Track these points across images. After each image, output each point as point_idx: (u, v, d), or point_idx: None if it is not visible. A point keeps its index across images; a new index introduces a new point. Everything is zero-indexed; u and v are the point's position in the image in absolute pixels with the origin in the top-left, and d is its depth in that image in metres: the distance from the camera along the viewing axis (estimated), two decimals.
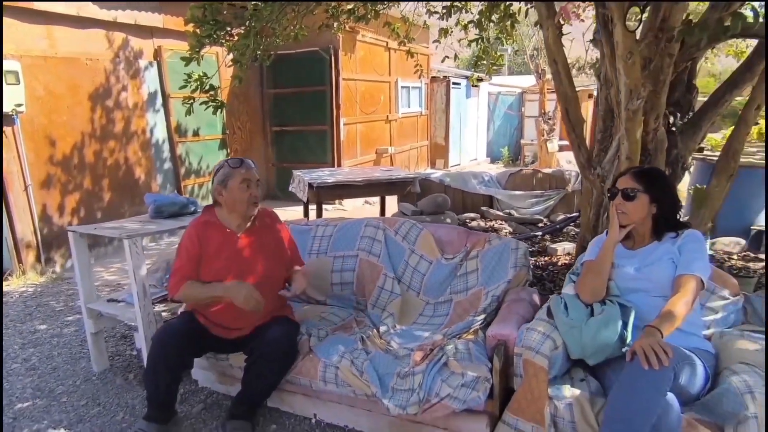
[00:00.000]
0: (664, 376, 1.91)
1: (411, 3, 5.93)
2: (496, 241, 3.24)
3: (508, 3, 5.01)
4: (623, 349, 2.22)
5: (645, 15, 2.85)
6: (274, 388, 2.77)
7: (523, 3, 4.61)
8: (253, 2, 3.83)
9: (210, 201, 2.93)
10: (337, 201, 8.61)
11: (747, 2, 3.28)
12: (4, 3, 4.87)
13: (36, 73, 5.36)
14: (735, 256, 5.02)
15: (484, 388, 2.36)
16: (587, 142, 3.66)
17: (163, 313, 3.25)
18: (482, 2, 5.13)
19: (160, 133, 7.02)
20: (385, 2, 5.23)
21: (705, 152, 6.70)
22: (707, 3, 3.32)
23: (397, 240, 3.45)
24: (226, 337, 2.78)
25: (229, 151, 8.20)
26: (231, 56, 4.12)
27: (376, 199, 7.92)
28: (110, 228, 3.23)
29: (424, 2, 5.72)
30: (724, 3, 3.01)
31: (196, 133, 7.54)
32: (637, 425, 1.89)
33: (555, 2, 3.39)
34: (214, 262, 2.71)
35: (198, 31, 3.76)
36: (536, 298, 2.98)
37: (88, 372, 3.47)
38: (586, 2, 4.65)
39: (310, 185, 5.35)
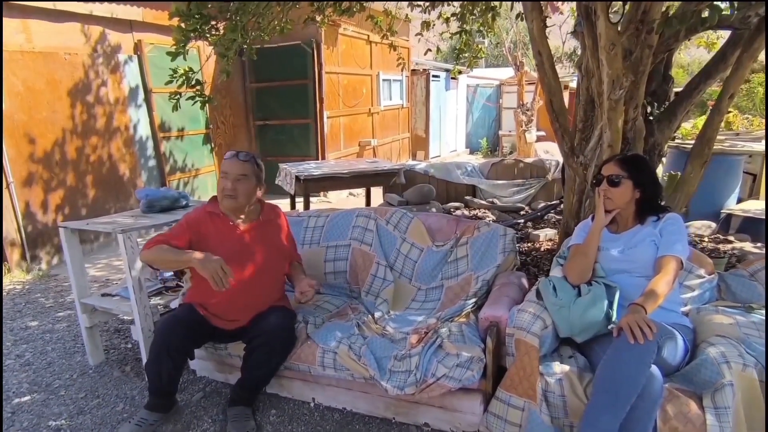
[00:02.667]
0: (648, 349, 2.04)
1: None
2: (485, 228, 3.33)
3: None
4: (609, 327, 2.33)
5: (626, 8, 2.95)
6: (273, 374, 2.83)
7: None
8: None
9: (197, 197, 2.95)
10: (322, 193, 8.65)
11: None
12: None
13: (13, 69, 5.28)
14: (706, 239, 5.18)
15: (478, 367, 2.45)
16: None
17: (159, 306, 3.30)
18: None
19: (144, 129, 6.97)
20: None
21: (677, 140, 6.88)
22: None
23: (389, 229, 3.53)
24: (226, 327, 2.83)
25: (213, 145, 8.18)
26: (213, 50, 4.11)
27: (361, 191, 8.00)
28: (103, 223, 3.25)
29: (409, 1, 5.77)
30: None
31: (179, 129, 7.51)
32: (624, 395, 2.02)
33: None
34: (215, 252, 2.72)
35: (183, 25, 3.76)
36: (524, 281, 3.09)
37: (84, 366, 3.49)
38: None
39: (297, 178, 5.40)
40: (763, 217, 5.17)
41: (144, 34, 6.78)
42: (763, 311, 2.58)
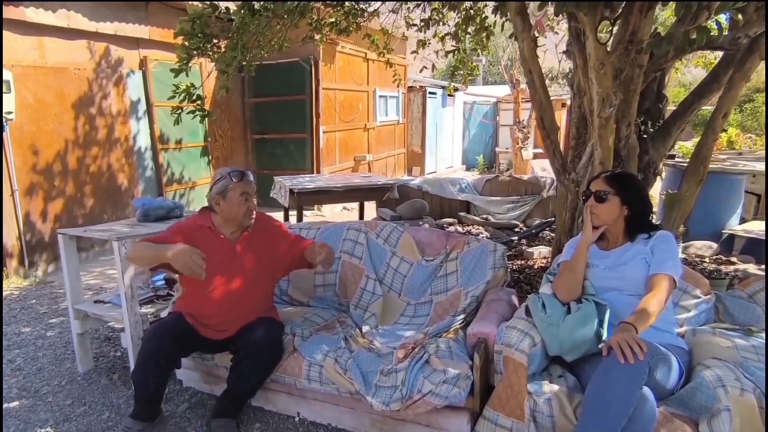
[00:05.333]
0: (639, 369, 2.00)
1: (391, 16, 6.05)
2: (475, 243, 3.33)
3: (484, 16, 5.17)
4: (599, 346, 2.28)
5: (615, 28, 2.99)
6: (259, 386, 2.81)
7: (498, 16, 4.75)
8: (241, 15, 3.90)
9: (193, 207, 2.96)
10: (316, 207, 8.68)
11: (719, 4, 3.43)
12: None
13: (26, 82, 5.46)
14: (707, 259, 5.17)
15: (465, 384, 2.43)
16: (561, 148, 3.79)
17: (149, 315, 3.31)
18: (459, 15, 5.27)
19: (144, 141, 7.08)
20: (367, 2, 5.33)
21: (676, 159, 6.91)
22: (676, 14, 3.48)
23: (379, 242, 3.54)
24: (214, 338, 2.82)
25: (210, 158, 8.26)
26: (215, 66, 4.19)
27: (355, 205, 8.02)
28: (100, 231, 3.30)
29: (404, 15, 5.84)
30: (691, 17, 3.17)
31: (178, 141, 7.60)
32: (614, 416, 1.97)
33: (530, 15, 3.52)
34: (207, 265, 2.73)
35: (187, 43, 3.84)
36: (514, 298, 3.08)
37: (73, 373, 3.50)
38: (559, 16, 4.80)
39: (291, 191, 5.42)
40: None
41: (149, 51, 6.97)
42: (763, 334, 2.53)
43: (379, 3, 5.50)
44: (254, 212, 2.87)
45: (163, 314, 3.18)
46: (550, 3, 2.50)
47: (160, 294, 3.58)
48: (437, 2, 5.38)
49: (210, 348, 2.89)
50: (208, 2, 3.90)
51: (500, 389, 2.37)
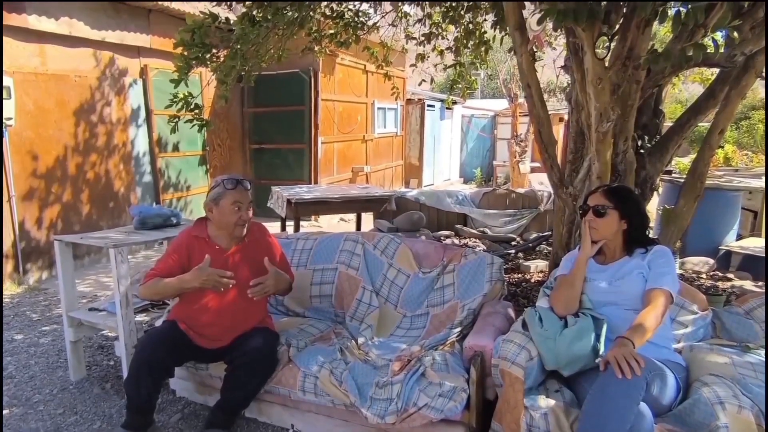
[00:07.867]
0: (636, 384, 1.98)
1: (390, 29, 6.09)
2: (472, 256, 3.33)
3: (483, 30, 5.21)
4: (596, 360, 2.27)
5: (613, 44, 3.01)
6: (253, 397, 2.79)
7: (497, 30, 4.79)
8: (241, 26, 3.92)
9: (190, 215, 2.95)
10: (313, 217, 8.68)
11: (718, 18, 3.47)
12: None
13: (27, 89, 5.48)
14: (704, 275, 5.17)
15: (461, 398, 2.42)
16: (559, 162, 3.81)
17: (144, 324, 3.28)
18: (458, 30, 5.32)
19: (142, 149, 7.10)
20: (368, 2, 5.36)
21: (673, 175, 6.93)
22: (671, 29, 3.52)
23: (376, 254, 3.53)
24: (208, 347, 2.81)
25: (208, 167, 8.27)
26: (215, 76, 4.20)
27: (352, 217, 8.01)
28: (96, 238, 3.28)
29: (404, 28, 5.88)
30: (687, 34, 3.20)
31: (177, 150, 7.62)
32: None
33: (529, 30, 3.54)
34: None
35: (186, 53, 3.86)
36: (511, 311, 3.07)
37: (65, 381, 3.46)
38: (558, 31, 4.86)
39: (289, 201, 5.42)
40: (764, 254, 5.10)
41: (150, 60, 7.01)
42: (760, 351, 2.52)
43: (378, 16, 5.53)
44: (246, 222, 2.84)
45: (158, 323, 3.16)
46: (548, 18, 2.51)
47: (155, 302, 3.56)
48: (437, 14, 5.42)
49: (204, 357, 2.87)
50: (208, 12, 3.92)
51: (499, 403, 2.36)
